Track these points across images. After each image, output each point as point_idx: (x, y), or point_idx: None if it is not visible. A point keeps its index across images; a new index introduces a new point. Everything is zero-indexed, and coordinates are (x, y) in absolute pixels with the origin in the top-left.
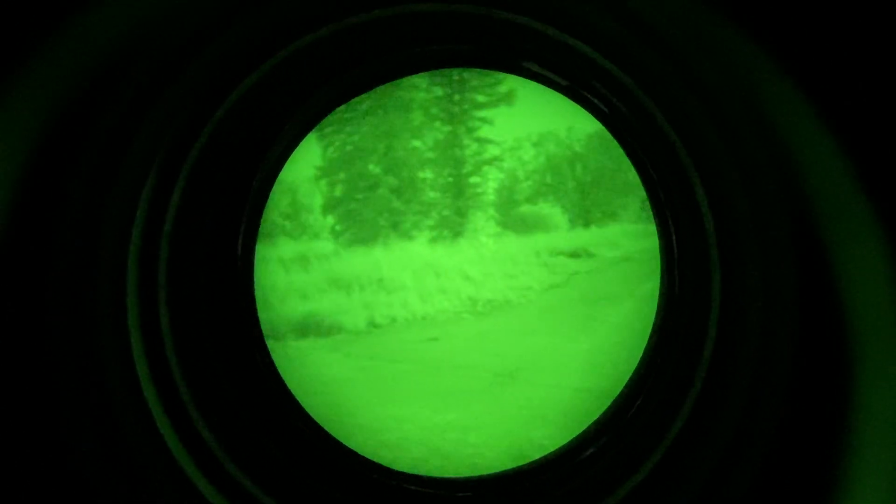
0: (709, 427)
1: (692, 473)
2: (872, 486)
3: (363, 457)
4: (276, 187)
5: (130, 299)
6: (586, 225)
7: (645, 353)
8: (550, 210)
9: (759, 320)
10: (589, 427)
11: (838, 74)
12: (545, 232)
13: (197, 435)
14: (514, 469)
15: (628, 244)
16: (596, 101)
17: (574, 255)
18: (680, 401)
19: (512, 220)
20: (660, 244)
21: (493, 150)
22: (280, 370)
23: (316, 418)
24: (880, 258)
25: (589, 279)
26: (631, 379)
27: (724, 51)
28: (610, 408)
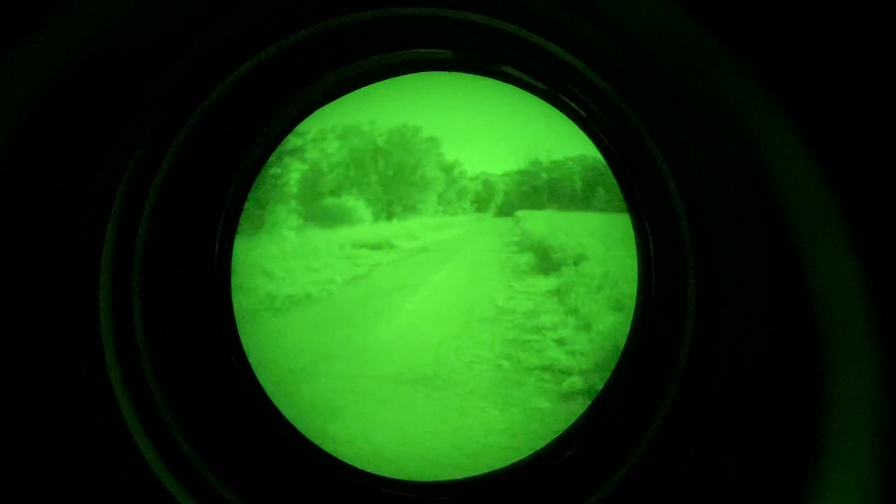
0: (685, 427)
1: (671, 472)
2: (846, 487)
3: (341, 461)
4: None
5: (103, 301)
6: (389, 218)
7: (622, 353)
8: (354, 203)
9: (733, 320)
10: (568, 429)
11: (810, 78)
12: (349, 225)
13: (170, 439)
14: (494, 472)
15: (426, 236)
16: (573, 105)
17: (377, 247)
18: (656, 401)
19: (315, 212)
20: (636, 245)
21: (295, 141)
22: None
23: None
24: (850, 258)
25: (390, 270)
26: (608, 380)
27: (699, 56)
28: (588, 409)
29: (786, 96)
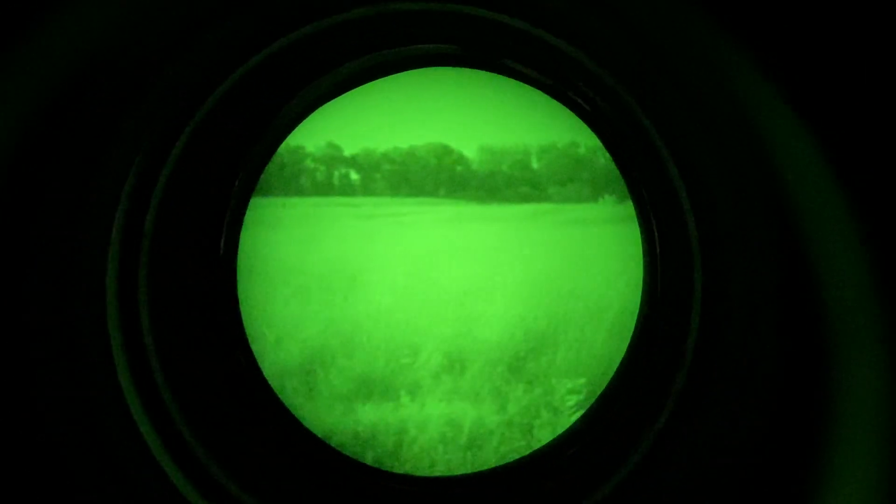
0: (690, 429)
1: (674, 474)
2: (852, 488)
3: (345, 454)
4: None
5: (110, 299)
6: None
7: (627, 353)
8: None
9: (740, 321)
10: (568, 428)
11: (820, 78)
12: None
13: (178, 434)
14: (494, 468)
15: None
16: (579, 100)
17: None
18: (661, 403)
19: None
20: (642, 244)
21: None
22: None
23: None
24: (859, 258)
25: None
26: (612, 379)
27: (708, 52)
28: (590, 409)
29: (796, 95)
